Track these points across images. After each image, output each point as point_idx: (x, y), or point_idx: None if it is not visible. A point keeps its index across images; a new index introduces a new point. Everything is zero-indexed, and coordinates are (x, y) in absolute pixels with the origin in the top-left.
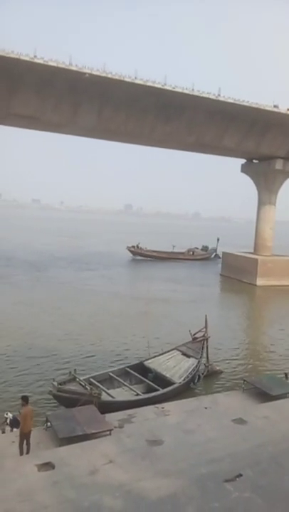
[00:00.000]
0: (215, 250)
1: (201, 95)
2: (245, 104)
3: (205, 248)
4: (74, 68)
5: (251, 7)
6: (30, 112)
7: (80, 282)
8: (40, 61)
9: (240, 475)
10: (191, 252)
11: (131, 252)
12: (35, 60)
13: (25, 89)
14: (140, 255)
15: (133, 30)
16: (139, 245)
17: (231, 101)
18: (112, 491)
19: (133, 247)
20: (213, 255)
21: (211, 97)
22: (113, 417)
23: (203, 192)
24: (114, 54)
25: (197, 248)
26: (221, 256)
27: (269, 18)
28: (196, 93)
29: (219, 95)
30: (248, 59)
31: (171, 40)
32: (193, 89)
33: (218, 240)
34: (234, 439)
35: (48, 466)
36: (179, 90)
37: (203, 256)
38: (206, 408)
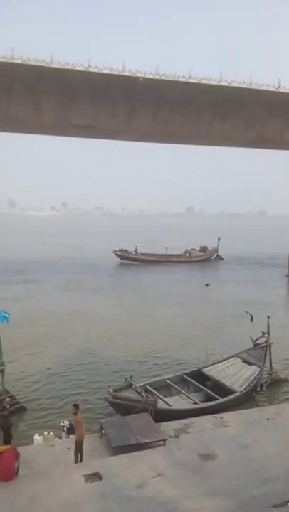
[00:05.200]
0: (216, 251)
1: (260, 88)
2: None
3: (203, 249)
4: (128, 74)
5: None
6: (88, 121)
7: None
8: (95, 70)
9: None
10: (188, 254)
11: (118, 256)
12: (90, 69)
13: (81, 99)
14: (128, 259)
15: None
16: (137, 249)
17: None
18: (156, 509)
19: (120, 250)
20: (214, 256)
21: (271, 89)
22: (169, 426)
23: (269, 189)
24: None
25: (195, 249)
26: (223, 257)
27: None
28: (254, 87)
29: (279, 87)
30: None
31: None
32: (251, 83)
33: (218, 239)
34: None
35: (95, 476)
36: (236, 85)
37: (200, 258)
38: (268, 419)
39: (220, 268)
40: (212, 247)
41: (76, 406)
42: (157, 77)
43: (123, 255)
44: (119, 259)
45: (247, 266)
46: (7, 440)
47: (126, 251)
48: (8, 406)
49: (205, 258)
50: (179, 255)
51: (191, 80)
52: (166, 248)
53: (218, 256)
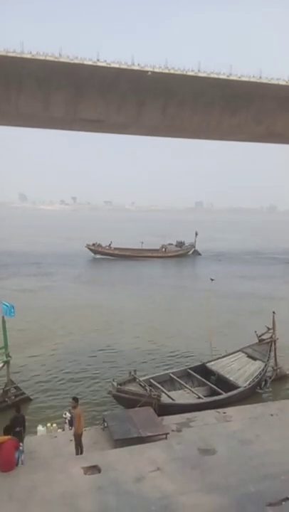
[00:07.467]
0: (193, 246)
1: (270, 82)
2: None
3: (180, 244)
4: (136, 68)
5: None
6: (96, 115)
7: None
8: (103, 64)
9: (287, 499)
10: (164, 249)
11: (91, 250)
12: (99, 64)
13: (90, 94)
14: (101, 254)
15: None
16: (111, 245)
17: None
18: (151, 503)
19: (93, 245)
20: (191, 251)
21: (282, 83)
22: (171, 420)
23: (279, 184)
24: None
25: (171, 244)
26: (200, 253)
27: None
28: (264, 80)
29: None
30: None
31: None
32: (260, 77)
33: (196, 234)
34: None
35: (94, 469)
36: (246, 79)
37: (176, 253)
38: (271, 415)
39: (197, 264)
40: (189, 242)
41: (75, 399)
42: (166, 71)
43: (96, 250)
44: (92, 254)
45: (230, 261)
46: (15, 435)
47: (99, 245)
48: (13, 397)
49: (181, 253)
50: (155, 250)
51: (200, 74)
52: (142, 243)
53: (195, 251)
